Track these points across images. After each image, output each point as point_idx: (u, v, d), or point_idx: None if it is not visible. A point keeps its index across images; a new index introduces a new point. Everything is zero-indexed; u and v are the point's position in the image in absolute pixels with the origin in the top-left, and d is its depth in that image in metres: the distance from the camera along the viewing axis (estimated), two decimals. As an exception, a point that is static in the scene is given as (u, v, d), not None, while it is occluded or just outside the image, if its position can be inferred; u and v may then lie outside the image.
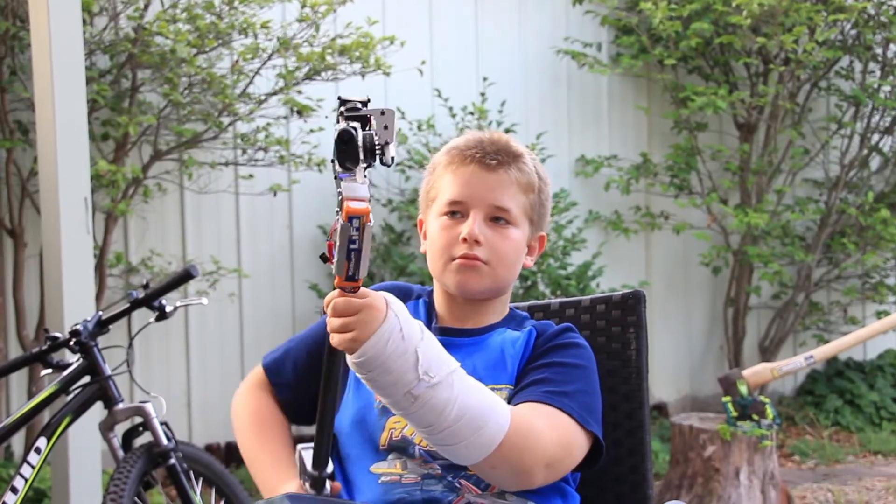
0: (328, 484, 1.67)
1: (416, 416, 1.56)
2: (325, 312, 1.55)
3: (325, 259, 1.51)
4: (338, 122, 1.46)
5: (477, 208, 1.79)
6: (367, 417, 1.79)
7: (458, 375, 1.58)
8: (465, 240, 1.78)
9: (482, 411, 1.58)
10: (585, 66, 5.94)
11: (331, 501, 1.67)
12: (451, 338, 1.83)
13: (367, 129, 1.44)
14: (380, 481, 1.74)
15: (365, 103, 1.47)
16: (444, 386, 1.55)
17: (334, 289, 1.51)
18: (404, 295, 1.91)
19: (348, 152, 1.43)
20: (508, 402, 1.72)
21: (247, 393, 1.94)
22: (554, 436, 1.65)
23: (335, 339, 1.53)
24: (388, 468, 1.75)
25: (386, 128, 1.46)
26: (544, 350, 1.78)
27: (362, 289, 1.51)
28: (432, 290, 1.93)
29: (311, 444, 1.67)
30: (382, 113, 1.48)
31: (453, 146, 1.86)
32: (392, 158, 1.46)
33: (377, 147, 1.43)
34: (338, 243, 1.43)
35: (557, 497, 1.78)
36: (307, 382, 1.87)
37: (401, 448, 1.75)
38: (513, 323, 1.87)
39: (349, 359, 1.53)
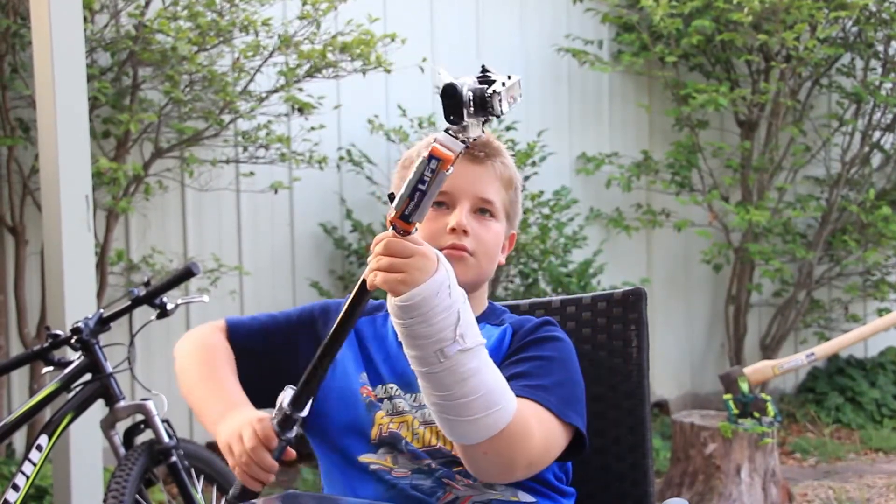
0: (289, 440, 1.60)
1: (436, 378, 1.54)
2: (368, 251, 1.54)
3: (391, 197, 1.49)
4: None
5: (464, 199, 1.79)
6: (357, 411, 1.78)
7: (484, 351, 1.57)
8: (453, 230, 1.77)
9: (497, 392, 1.57)
10: (586, 63, 5.93)
11: (331, 499, 1.67)
12: None
13: (485, 85, 1.41)
14: (370, 469, 1.74)
15: (485, 71, 1.46)
16: (473, 355, 1.53)
17: (386, 227, 1.49)
18: (372, 308, 1.91)
19: (451, 106, 1.41)
20: None
21: (199, 331, 1.89)
22: (540, 435, 1.64)
23: (380, 278, 1.48)
24: (378, 459, 1.75)
25: (503, 84, 1.42)
26: (521, 345, 1.77)
27: (414, 236, 1.49)
28: None
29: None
30: (509, 77, 1.45)
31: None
32: (502, 111, 1.42)
33: (487, 98, 1.40)
34: (409, 178, 1.42)
35: (549, 491, 1.78)
36: (268, 359, 1.85)
37: (390, 444, 1.75)
38: (492, 317, 1.87)
39: (391, 300, 1.50)
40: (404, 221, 1.45)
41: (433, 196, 1.43)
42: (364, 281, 1.51)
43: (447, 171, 1.41)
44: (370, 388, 1.80)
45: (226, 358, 1.83)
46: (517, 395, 1.63)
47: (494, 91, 1.41)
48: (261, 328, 1.89)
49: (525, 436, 1.61)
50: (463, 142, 1.42)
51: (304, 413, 1.58)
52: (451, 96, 1.40)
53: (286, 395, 1.59)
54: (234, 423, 1.64)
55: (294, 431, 1.59)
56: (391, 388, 1.79)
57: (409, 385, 1.77)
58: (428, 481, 1.72)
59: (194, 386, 1.80)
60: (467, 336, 1.52)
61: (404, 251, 1.48)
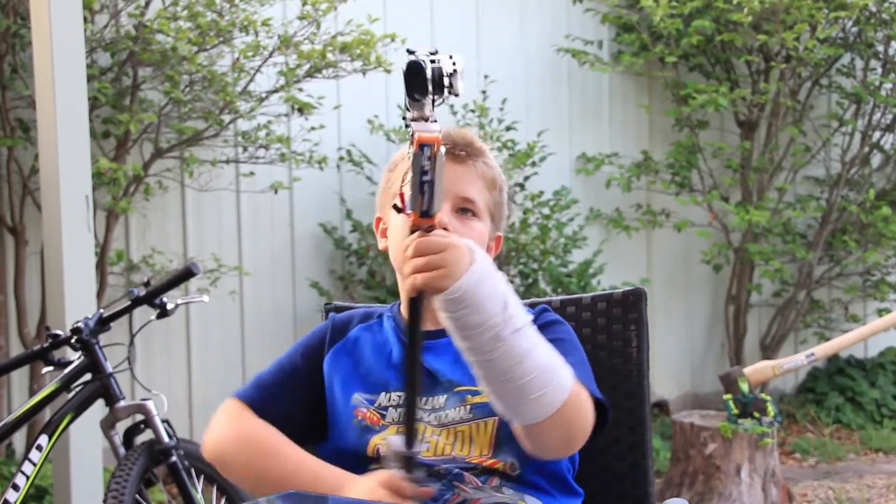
0: (420, 479, 1.55)
1: (493, 364, 1.52)
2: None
3: (398, 209, 1.48)
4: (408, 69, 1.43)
5: (445, 198, 1.78)
6: (348, 438, 1.77)
7: (533, 328, 1.56)
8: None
9: (553, 367, 1.56)
10: (586, 63, 5.93)
11: (331, 499, 1.66)
12: (427, 341, 1.79)
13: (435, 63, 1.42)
14: (374, 466, 1.72)
15: (433, 52, 1.46)
16: (525, 334, 1.53)
17: (412, 231, 1.48)
18: (366, 316, 1.90)
19: (416, 84, 1.41)
20: None
21: (224, 423, 1.81)
22: (588, 405, 1.65)
23: (420, 279, 1.47)
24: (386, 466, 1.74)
25: (455, 64, 1.43)
26: None
27: (439, 230, 1.49)
28: (396, 304, 1.91)
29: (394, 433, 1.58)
30: (451, 56, 1.46)
31: None
32: (461, 89, 1.44)
33: (446, 78, 1.41)
34: (410, 177, 1.41)
35: (559, 492, 1.78)
36: (289, 406, 1.82)
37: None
38: None
39: (438, 298, 1.48)
40: (426, 217, 1.45)
41: (441, 180, 1.42)
42: (413, 298, 1.50)
43: (441, 151, 1.41)
44: (365, 409, 1.78)
45: (278, 438, 1.76)
46: None
47: (455, 70, 1.41)
48: (277, 390, 1.83)
49: (582, 406, 1.62)
50: (434, 120, 1.42)
51: (423, 447, 1.55)
52: (416, 73, 1.40)
53: (394, 441, 1.54)
54: (356, 497, 1.60)
55: (420, 469, 1.55)
56: (398, 396, 1.77)
57: (421, 387, 1.76)
58: (437, 484, 1.71)
59: (279, 486, 1.72)
60: (517, 316, 1.52)
61: (437, 247, 1.47)
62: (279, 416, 1.80)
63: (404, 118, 1.45)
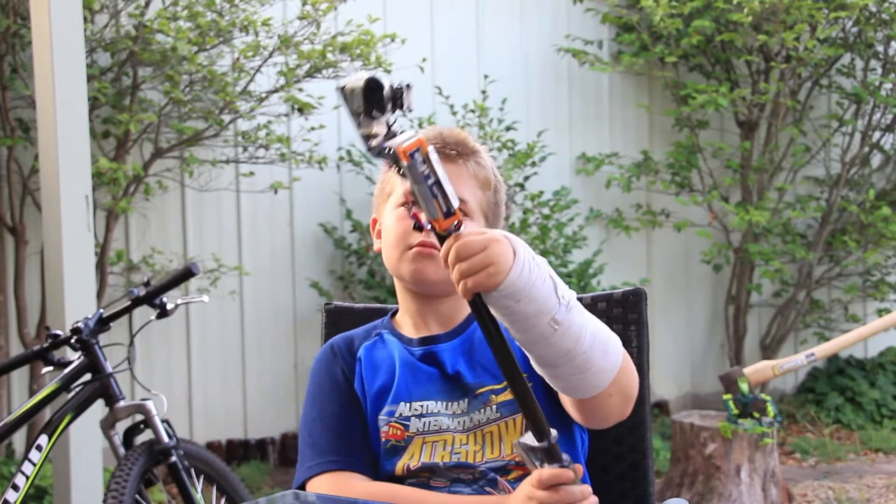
0: (567, 461, 1.51)
1: (555, 346, 1.50)
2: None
3: (419, 228, 1.47)
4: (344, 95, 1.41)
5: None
6: (377, 459, 1.75)
7: (578, 302, 1.55)
8: (421, 228, 1.76)
9: (604, 333, 1.56)
10: (586, 63, 5.93)
11: (332, 499, 1.66)
12: (436, 345, 1.79)
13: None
14: (406, 482, 1.71)
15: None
16: (576, 309, 1.52)
17: (440, 238, 1.44)
18: (366, 335, 1.87)
19: (375, 100, 1.38)
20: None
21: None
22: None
23: (471, 282, 1.43)
24: (415, 474, 1.73)
25: (404, 82, 1.42)
26: None
27: (472, 227, 1.46)
28: (390, 315, 1.89)
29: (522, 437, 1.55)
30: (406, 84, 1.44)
31: None
32: (412, 105, 1.42)
33: (403, 91, 1.40)
34: (417, 190, 1.39)
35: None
36: (361, 447, 1.76)
37: (422, 469, 1.72)
38: None
39: (492, 296, 1.45)
40: (450, 216, 1.42)
41: (445, 176, 1.40)
42: (471, 300, 1.46)
43: (430, 149, 1.40)
44: (387, 428, 1.75)
45: (396, 489, 1.71)
46: None
47: (407, 85, 1.40)
48: (343, 442, 1.77)
49: (630, 364, 1.63)
50: (402, 131, 1.40)
51: (555, 433, 1.50)
52: (375, 90, 1.38)
53: (527, 440, 1.50)
54: None
55: (562, 453, 1.52)
56: (420, 406, 1.75)
57: (441, 392, 1.75)
58: (467, 489, 1.70)
59: None
60: (566, 293, 1.51)
61: (477, 246, 1.44)
62: (363, 465, 1.75)
63: (370, 149, 1.40)
